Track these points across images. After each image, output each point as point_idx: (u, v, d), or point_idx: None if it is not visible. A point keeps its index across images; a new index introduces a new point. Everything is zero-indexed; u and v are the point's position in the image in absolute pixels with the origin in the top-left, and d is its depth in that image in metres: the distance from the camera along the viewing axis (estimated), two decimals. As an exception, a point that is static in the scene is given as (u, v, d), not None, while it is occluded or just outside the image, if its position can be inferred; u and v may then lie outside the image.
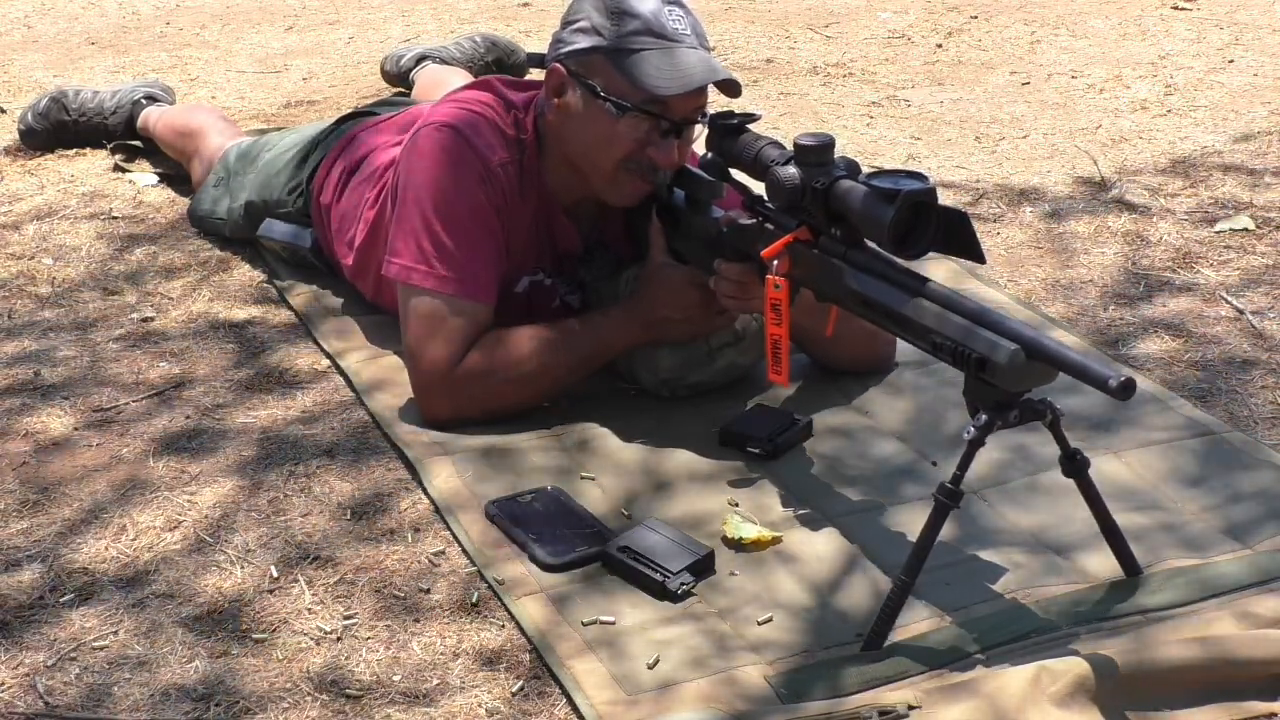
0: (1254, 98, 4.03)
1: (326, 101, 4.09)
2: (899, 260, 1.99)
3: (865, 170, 2.08)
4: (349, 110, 3.31)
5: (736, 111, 2.28)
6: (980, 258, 1.92)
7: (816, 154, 2.07)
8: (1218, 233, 3.14)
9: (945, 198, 3.34)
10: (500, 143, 2.39)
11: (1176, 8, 4.95)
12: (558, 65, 2.33)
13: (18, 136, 3.67)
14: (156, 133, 3.49)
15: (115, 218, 3.27)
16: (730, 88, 2.28)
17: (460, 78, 3.57)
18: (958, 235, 1.93)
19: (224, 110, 3.88)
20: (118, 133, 3.60)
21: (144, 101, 3.59)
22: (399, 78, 3.89)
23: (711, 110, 2.33)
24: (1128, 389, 1.70)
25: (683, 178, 2.37)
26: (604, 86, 2.29)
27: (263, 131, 3.49)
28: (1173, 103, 3.99)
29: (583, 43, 2.31)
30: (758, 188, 2.23)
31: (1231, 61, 4.36)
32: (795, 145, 2.09)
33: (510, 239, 2.42)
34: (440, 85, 3.47)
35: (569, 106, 2.34)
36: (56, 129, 3.63)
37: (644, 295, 2.37)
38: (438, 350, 2.33)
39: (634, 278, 2.42)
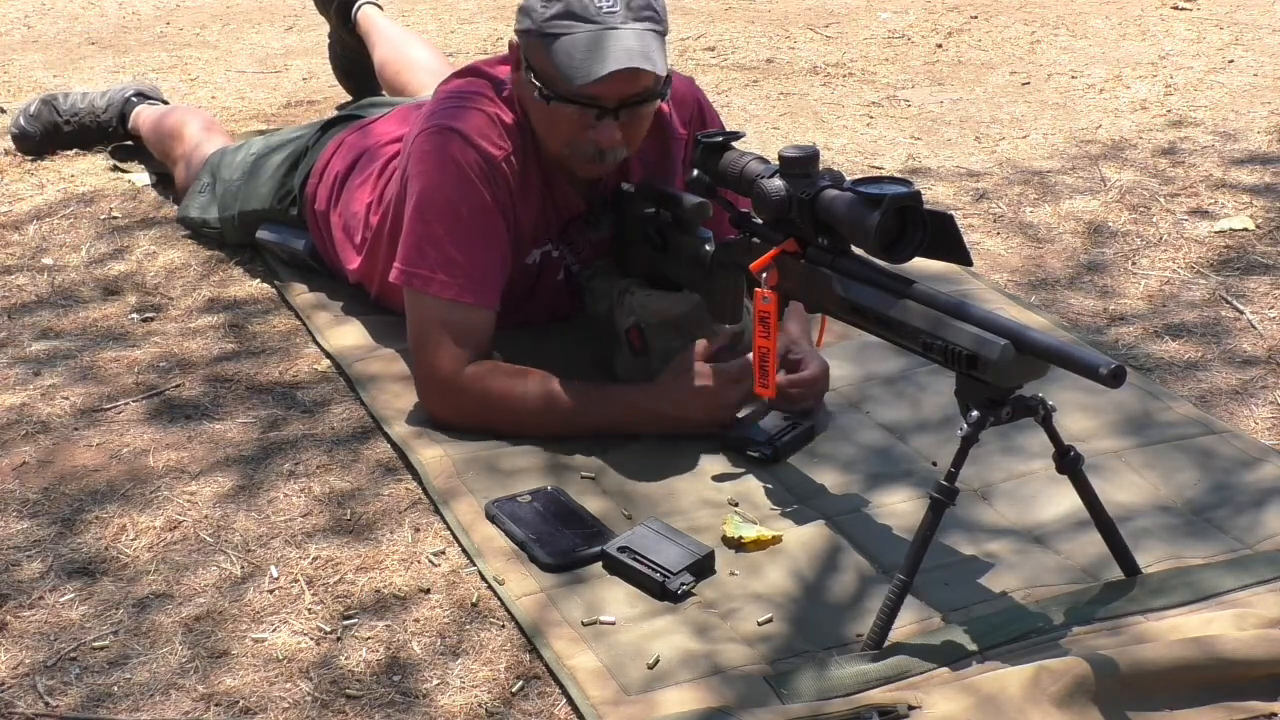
0: (1254, 98, 4.03)
1: (326, 101, 4.08)
2: (885, 265, 1.99)
3: (850, 179, 2.08)
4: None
5: (722, 130, 2.28)
6: (966, 260, 1.92)
7: (801, 165, 2.07)
8: (1217, 232, 3.14)
9: (945, 197, 3.34)
10: (499, 134, 2.36)
11: (1176, 8, 4.95)
12: (514, 39, 2.32)
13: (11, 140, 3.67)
14: (143, 133, 3.47)
15: (115, 217, 3.27)
16: (644, 77, 2.22)
17: (419, 49, 3.49)
18: (943, 238, 1.93)
19: (218, 111, 3.88)
20: (112, 133, 3.58)
21: (134, 100, 3.57)
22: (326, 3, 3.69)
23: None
24: (1118, 376, 1.70)
25: (668, 198, 2.37)
26: (539, 71, 2.27)
27: (254, 133, 3.47)
28: (1173, 103, 3.99)
29: (522, 23, 2.28)
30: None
31: (1231, 61, 4.36)
32: (780, 158, 2.09)
33: (519, 226, 2.40)
34: (408, 66, 3.41)
35: (520, 83, 2.33)
36: (50, 131, 3.62)
37: (665, 392, 2.30)
38: (439, 356, 2.32)
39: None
